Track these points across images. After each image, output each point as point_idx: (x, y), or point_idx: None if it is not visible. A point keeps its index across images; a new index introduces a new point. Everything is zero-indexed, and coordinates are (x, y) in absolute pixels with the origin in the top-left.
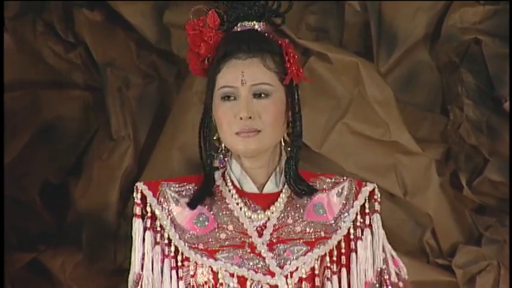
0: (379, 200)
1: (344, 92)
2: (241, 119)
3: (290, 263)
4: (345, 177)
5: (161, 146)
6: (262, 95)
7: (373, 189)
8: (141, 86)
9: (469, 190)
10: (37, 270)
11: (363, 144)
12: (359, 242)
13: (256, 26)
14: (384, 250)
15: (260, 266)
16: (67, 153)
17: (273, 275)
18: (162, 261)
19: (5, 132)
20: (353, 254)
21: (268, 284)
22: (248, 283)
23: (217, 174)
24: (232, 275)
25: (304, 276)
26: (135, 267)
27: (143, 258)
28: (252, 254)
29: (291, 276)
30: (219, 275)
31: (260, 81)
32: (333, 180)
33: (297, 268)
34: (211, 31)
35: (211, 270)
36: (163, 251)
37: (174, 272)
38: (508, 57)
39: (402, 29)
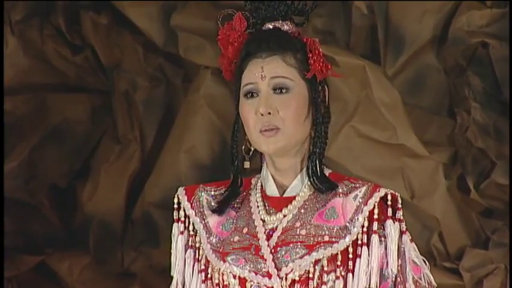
0: (398, 206)
1: (351, 95)
2: (261, 115)
3: (287, 265)
4: (366, 182)
5: (168, 149)
6: (283, 90)
7: (385, 195)
8: (148, 89)
9: (476, 193)
10: (44, 273)
11: (370, 147)
12: (364, 248)
13: (280, 25)
14: (400, 257)
15: (261, 268)
16: (74, 156)
17: (270, 276)
18: (193, 265)
19: (12, 135)
20: (358, 260)
21: (265, 285)
22: (248, 284)
23: (256, 179)
24: (235, 277)
25: (296, 278)
26: (172, 270)
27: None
28: (255, 256)
29: (286, 279)
30: (225, 277)
31: (279, 75)
32: (354, 184)
33: (292, 270)
34: (236, 33)
35: (221, 272)
36: (195, 254)
37: (200, 275)
38: None
39: (409, 32)
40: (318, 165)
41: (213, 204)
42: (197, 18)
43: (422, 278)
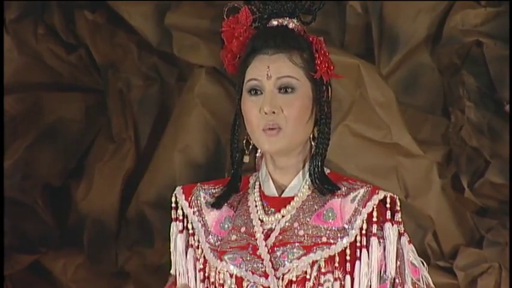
0: (396, 209)
1: (345, 94)
2: (265, 113)
3: (284, 266)
4: (364, 184)
5: (162, 148)
6: (288, 89)
7: (384, 198)
8: (142, 88)
9: (470, 192)
10: (38, 272)
11: (364, 146)
12: (363, 251)
13: (287, 23)
14: (399, 259)
15: (258, 267)
16: (68, 155)
17: (267, 276)
18: (193, 264)
19: (6, 134)
20: (357, 262)
21: (262, 285)
22: (244, 284)
23: (254, 177)
24: (231, 276)
25: (294, 279)
26: (172, 269)
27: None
28: (252, 256)
29: (282, 279)
30: (221, 275)
31: (285, 74)
32: (353, 185)
33: (289, 271)
34: (242, 27)
35: (217, 270)
36: (194, 253)
37: (199, 274)
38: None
39: (403, 31)
40: (320, 166)
41: (211, 202)
42: (191, 17)
43: (421, 280)
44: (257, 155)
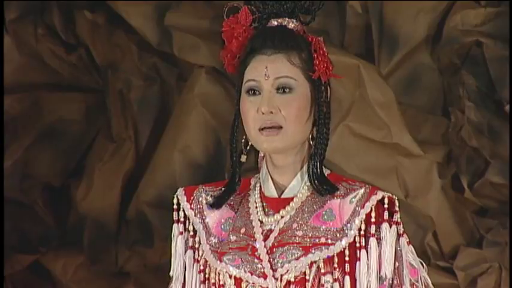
0: (395, 209)
1: (345, 94)
2: (263, 113)
3: (282, 266)
4: (363, 184)
5: (162, 148)
6: (286, 89)
7: (383, 198)
8: (142, 88)
9: (470, 192)
10: (38, 272)
11: (365, 146)
12: (363, 251)
13: (286, 23)
14: (397, 260)
15: (257, 268)
16: (68, 155)
17: (266, 277)
18: (193, 266)
19: (6, 134)
20: (357, 263)
21: (260, 286)
22: (243, 285)
23: (255, 179)
24: (230, 277)
25: (292, 280)
26: (171, 271)
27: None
28: (251, 257)
29: (281, 280)
30: (221, 276)
31: (283, 74)
32: (352, 186)
33: (287, 271)
34: (242, 28)
35: (217, 271)
36: (194, 255)
37: (199, 275)
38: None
39: (403, 31)
40: (318, 166)
41: (210, 199)
42: (191, 17)
43: (420, 281)
44: (259, 155)
